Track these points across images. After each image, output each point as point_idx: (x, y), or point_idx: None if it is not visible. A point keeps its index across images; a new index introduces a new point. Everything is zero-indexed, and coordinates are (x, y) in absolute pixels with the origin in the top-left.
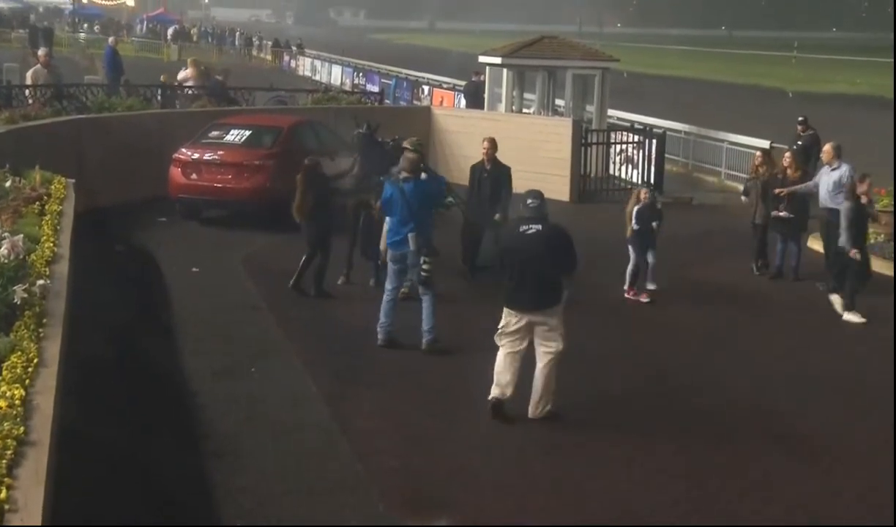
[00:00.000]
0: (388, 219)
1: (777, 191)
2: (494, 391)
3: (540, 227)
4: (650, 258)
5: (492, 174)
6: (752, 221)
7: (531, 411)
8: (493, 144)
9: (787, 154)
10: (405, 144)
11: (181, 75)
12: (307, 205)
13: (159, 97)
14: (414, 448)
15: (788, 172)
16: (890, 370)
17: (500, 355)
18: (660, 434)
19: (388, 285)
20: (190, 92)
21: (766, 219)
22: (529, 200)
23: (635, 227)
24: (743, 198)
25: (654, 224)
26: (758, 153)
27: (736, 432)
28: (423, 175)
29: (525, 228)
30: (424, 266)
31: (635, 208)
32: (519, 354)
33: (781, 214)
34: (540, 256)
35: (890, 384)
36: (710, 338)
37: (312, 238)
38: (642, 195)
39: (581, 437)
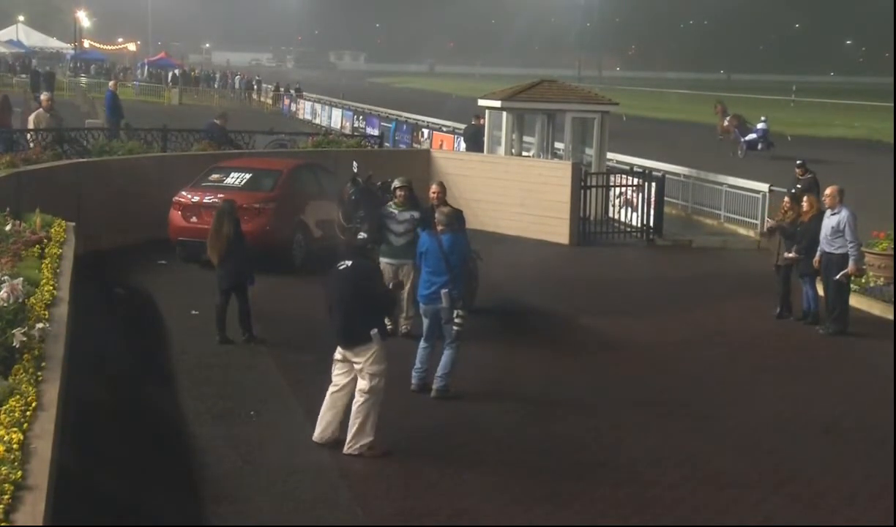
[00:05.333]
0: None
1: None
2: (315, 434)
3: (349, 263)
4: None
5: None
6: (776, 263)
7: (345, 446)
8: (442, 188)
9: (786, 198)
10: (396, 183)
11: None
12: (221, 246)
13: None
14: (413, 492)
15: (790, 214)
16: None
17: (326, 394)
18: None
19: (423, 343)
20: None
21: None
22: (360, 234)
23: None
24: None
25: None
26: (786, 198)
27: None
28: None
29: (339, 264)
30: (457, 320)
31: None
32: (342, 393)
33: (790, 255)
34: (344, 291)
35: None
36: (693, 379)
37: (225, 282)
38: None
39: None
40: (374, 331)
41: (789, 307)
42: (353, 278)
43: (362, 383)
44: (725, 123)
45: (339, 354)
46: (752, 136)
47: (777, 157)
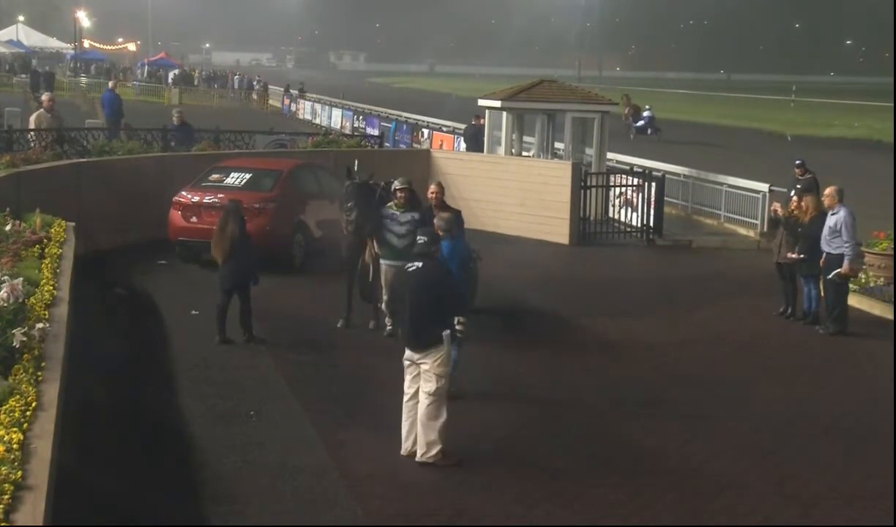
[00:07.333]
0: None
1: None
2: (402, 449)
3: (420, 264)
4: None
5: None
6: (776, 261)
7: (409, 448)
8: (441, 188)
9: (795, 197)
10: (396, 184)
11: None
12: (225, 245)
13: None
14: (413, 492)
15: (796, 213)
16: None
17: (403, 406)
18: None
19: None
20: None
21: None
22: (419, 238)
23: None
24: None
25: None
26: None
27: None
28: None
29: (409, 265)
30: (459, 326)
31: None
32: (415, 401)
33: (793, 255)
34: (414, 293)
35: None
36: (693, 379)
37: (228, 281)
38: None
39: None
40: (447, 332)
41: (793, 309)
42: (422, 279)
43: (428, 386)
44: (626, 111)
45: (407, 359)
46: (641, 122)
47: (664, 140)
